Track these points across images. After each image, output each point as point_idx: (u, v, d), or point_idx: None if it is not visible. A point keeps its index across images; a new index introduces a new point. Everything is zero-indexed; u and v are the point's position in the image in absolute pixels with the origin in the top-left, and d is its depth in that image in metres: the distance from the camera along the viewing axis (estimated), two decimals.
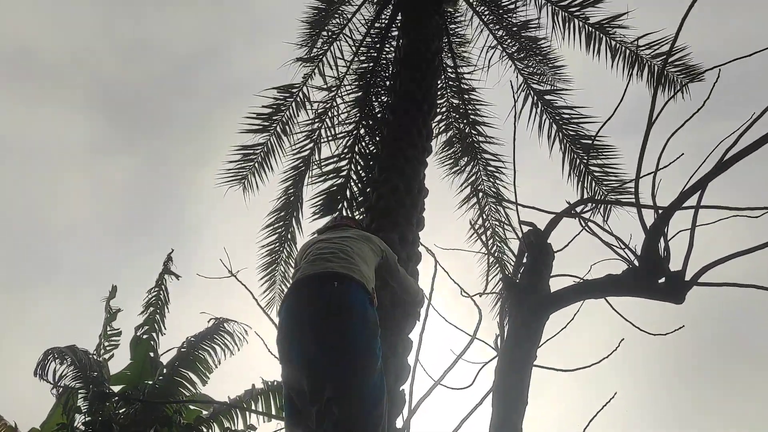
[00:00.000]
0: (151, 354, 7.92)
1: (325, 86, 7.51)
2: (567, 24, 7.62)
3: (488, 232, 7.58)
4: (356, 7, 8.02)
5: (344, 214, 6.60)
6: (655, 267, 3.20)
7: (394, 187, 4.68)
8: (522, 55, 7.88)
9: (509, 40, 7.93)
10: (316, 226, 7.18)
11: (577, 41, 7.68)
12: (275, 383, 7.40)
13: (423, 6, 6.38)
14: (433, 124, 6.46)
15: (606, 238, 3.45)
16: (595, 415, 3.26)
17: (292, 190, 7.67)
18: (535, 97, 7.71)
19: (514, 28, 7.99)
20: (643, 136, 3.11)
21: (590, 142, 7.40)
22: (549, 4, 7.59)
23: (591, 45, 7.70)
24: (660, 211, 3.23)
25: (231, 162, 7.93)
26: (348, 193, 6.86)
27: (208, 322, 7.69)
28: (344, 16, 8.03)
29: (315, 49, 7.84)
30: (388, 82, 7.29)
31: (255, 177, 7.98)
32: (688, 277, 3.08)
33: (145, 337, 8.06)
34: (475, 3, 7.73)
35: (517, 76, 7.73)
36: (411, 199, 4.73)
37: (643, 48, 7.60)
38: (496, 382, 2.95)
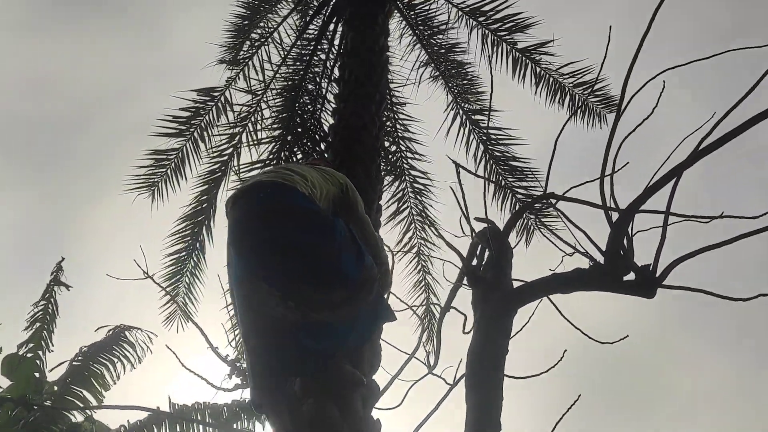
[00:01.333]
0: (37, 374, 7.05)
1: (249, 90, 7.13)
2: (495, 47, 7.71)
3: (414, 249, 7.41)
4: (285, 15, 7.78)
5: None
6: (620, 262, 3.12)
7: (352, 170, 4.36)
8: (449, 75, 7.89)
9: (438, 60, 7.93)
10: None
11: (504, 65, 7.79)
12: (184, 407, 6.74)
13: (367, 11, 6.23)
14: None
15: (566, 238, 3.39)
16: (560, 419, 3.08)
17: (205, 197, 7.17)
18: (464, 116, 7.70)
19: (442, 50, 8.02)
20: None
21: (516, 164, 7.46)
22: (480, 26, 7.66)
23: (518, 70, 7.83)
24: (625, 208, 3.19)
25: (141, 168, 7.37)
26: None
27: (108, 332, 6.88)
28: (270, 24, 7.75)
29: (242, 52, 7.47)
30: (323, 84, 7.07)
31: (167, 184, 7.44)
32: (658, 272, 3.03)
33: (29, 355, 7.19)
34: (408, 17, 7.67)
35: (447, 95, 7.71)
36: (371, 183, 4.48)
37: (566, 76, 7.83)
38: (469, 380, 2.71)
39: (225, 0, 7.60)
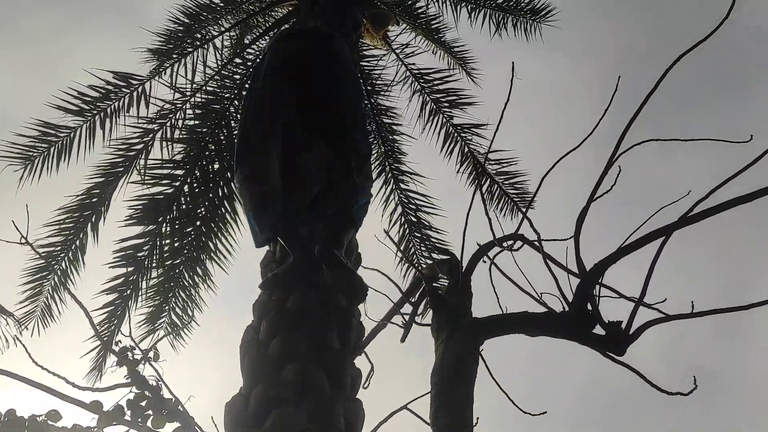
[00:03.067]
0: None
1: (174, 87, 6.55)
2: (432, 116, 7.72)
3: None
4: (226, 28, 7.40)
5: None
6: (587, 316, 2.93)
7: None
8: (381, 132, 7.76)
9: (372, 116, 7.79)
10: (121, 233, 6.00)
11: (436, 137, 7.78)
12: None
13: None
14: None
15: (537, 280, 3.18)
16: None
17: (98, 191, 6.35)
18: (389, 174, 7.52)
19: (375, 110, 7.92)
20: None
21: (430, 233, 7.32)
22: (423, 92, 7.67)
23: (447, 145, 7.85)
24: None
25: (21, 136, 6.43)
26: (177, 204, 5.84)
27: None
28: (209, 33, 7.33)
29: (173, 56, 6.93)
30: None
31: (48, 162, 6.54)
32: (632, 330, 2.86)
33: None
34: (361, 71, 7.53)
35: (380, 147, 7.52)
36: None
37: (492, 162, 7.94)
38: (438, 400, 2.31)
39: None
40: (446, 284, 3.09)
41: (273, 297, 2.61)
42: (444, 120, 7.74)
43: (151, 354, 3.07)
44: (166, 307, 6.40)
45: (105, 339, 5.69)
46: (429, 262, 6.79)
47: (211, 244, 6.33)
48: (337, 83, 3.30)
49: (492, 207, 8.04)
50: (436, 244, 7.29)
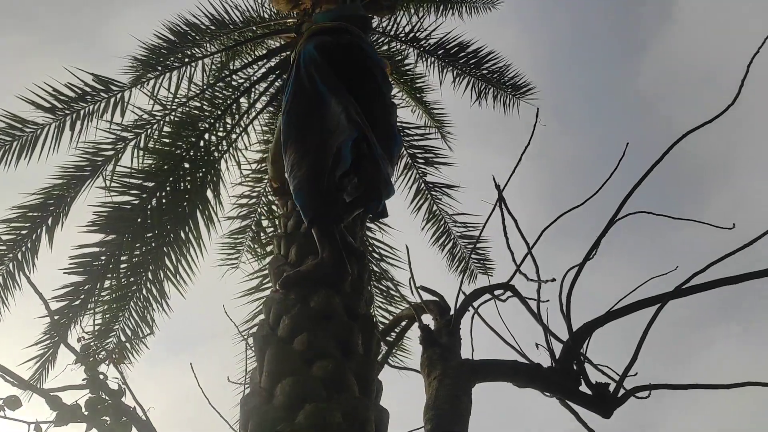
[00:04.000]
0: None
1: (155, 98, 6.40)
2: (406, 171, 7.76)
3: None
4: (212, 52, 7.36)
5: None
6: (573, 372, 2.90)
7: None
8: None
9: None
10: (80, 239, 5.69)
11: (406, 192, 7.82)
12: None
13: None
14: None
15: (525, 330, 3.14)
16: None
17: (58, 192, 6.05)
18: None
19: None
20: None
21: (390, 285, 7.22)
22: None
23: (416, 201, 7.89)
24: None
25: None
26: (144, 214, 5.59)
27: None
28: (199, 51, 7.28)
29: (157, 68, 6.82)
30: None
31: (8, 157, 6.25)
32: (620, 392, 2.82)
33: None
34: None
35: None
36: None
37: (458, 224, 8.00)
38: None
39: None
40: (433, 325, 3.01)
41: (291, 295, 2.47)
42: (417, 176, 7.79)
43: (114, 355, 2.86)
44: (116, 327, 6.07)
45: (55, 340, 5.29)
46: (392, 309, 6.71)
47: (170, 264, 6.07)
48: (373, 75, 3.54)
49: (452, 269, 8.09)
50: (395, 296, 7.19)
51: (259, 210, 7.69)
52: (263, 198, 7.66)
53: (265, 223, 7.70)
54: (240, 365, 7.12)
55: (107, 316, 5.75)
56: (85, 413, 2.48)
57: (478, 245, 8.09)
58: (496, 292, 3.24)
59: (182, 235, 6.07)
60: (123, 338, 6.10)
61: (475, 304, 3.27)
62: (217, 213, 6.46)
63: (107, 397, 2.67)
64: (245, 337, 6.19)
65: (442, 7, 8.78)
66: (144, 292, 6.15)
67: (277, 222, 3.33)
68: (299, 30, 6.35)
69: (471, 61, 8.34)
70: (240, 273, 7.57)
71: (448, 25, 8.52)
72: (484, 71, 8.45)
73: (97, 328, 5.97)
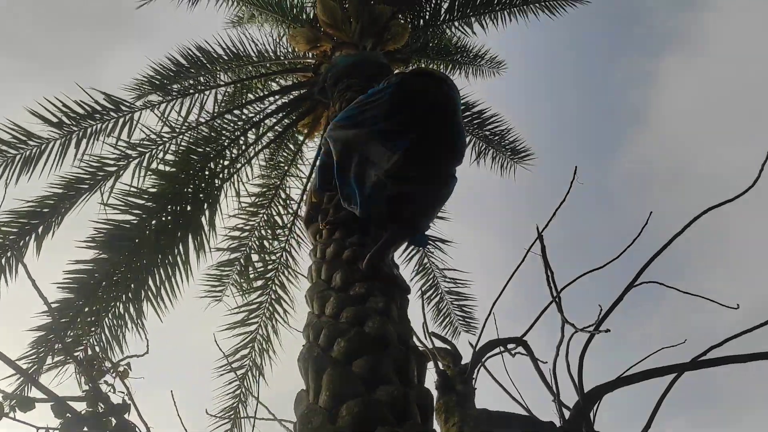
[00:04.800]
0: None
1: (166, 121, 6.41)
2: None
3: None
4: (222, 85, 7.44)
5: None
6: None
7: None
8: None
9: None
10: (67, 254, 5.56)
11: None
12: None
13: None
14: None
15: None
16: None
17: (52, 202, 5.93)
18: None
19: None
20: None
21: None
22: None
23: (407, 250, 7.89)
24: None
25: None
26: (142, 235, 5.50)
27: None
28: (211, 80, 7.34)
29: (172, 93, 6.86)
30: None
31: (11, 170, 6.16)
32: None
33: None
34: None
35: None
36: None
37: (447, 279, 8.00)
38: None
39: None
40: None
41: (342, 319, 2.43)
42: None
43: (121, 368, 2.77)
44: (84, 341, 5.86)
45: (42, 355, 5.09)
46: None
47: (153, 285, 5.94)
48: (453, 115, 3.49)
49: (437, 322, 8.06)
50: None
51: (250, 244, 7.64)
52: (256, 232, 7.62)
53: (254, 257, 7.65)
54: (216, 398, 6.97)
55: (79, 330, 5.54)
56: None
57: (464, 303, 8.11)
58: (509, 346, 3.22)
59: (170, 258, 5.97)
60: (89, 352, 5.87)
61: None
62: (210, 241, 6.39)
63: (109, 412, 2.58)
64: (233, 368, 6.07)
65: (450, 66, 9.02)
66: (120, 309, 5.97)
67: (314, 252, 3.30)
68: (317, 70, 6.46)
69: (475, 121, 8.50)
70: (221, 306, 7.48)
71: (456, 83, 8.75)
72: (487, 132, 8.61)
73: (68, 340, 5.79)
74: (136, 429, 2.60)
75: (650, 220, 3.12)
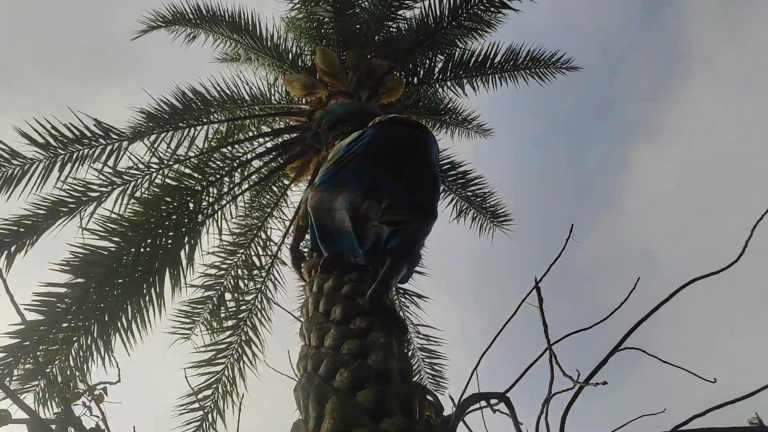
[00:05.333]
0: None
1: (154, 152, 6.38)
2: None
3: None
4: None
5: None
6: None
7: None
8: None
9: None
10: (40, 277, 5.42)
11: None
12: None
13: None
14: None
15: None
16: None
17: (29, 222, 5.81)
18: None
19: None
20: None
21: None
22: None
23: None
24: None
25: None
26: (119, 263, 5.38)
27: None
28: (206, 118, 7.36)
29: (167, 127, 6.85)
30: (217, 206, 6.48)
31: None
32: None
33: None
34: None
35: None
36: None
37: (422, 336, 7.95)
38: None
39: None
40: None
41: (343, 351, 2.38)
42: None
43: (96, 392, 2.68)
44: (47, 369, 5.65)
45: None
46: None
47: (124, 318, 5.80)
48: (426, 163, 3.70)
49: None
50: None
51: (225, 283, 7.53)
52: (233, 271, 7.52)
53: (227, 296, 7.53)
54: None
55: (40, 355, 5.34)
56: None
57: (434, 361, 8.05)
58: (492, 401, 3.18)
59: (145, 289, 5.85)
60: (49, 381, 5.66)
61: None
62: (186, 277, 6.29)
63: None
64: (202, 406, 5.87)
65: (439, 125, 9.20)
66: (88, 340, 5.81)
67: (309, 286, 3.33)
68: (311, 116, 6.54)
69: (459, 181, 8.62)
70: (189, 344, 7.30)
71: (442, 143, 8.91)
72: (469, 193, 8.73)
73: (27, 367, 5.58)
74: None
75: (617, 299, 3.19)
